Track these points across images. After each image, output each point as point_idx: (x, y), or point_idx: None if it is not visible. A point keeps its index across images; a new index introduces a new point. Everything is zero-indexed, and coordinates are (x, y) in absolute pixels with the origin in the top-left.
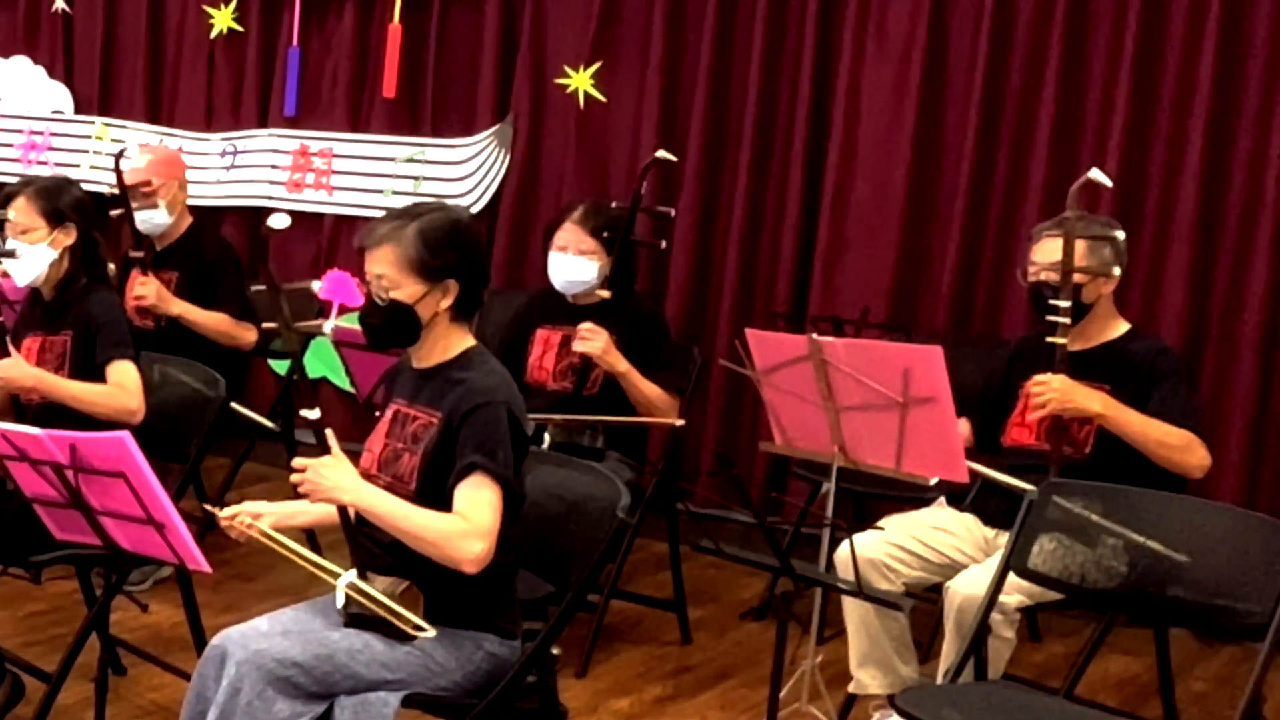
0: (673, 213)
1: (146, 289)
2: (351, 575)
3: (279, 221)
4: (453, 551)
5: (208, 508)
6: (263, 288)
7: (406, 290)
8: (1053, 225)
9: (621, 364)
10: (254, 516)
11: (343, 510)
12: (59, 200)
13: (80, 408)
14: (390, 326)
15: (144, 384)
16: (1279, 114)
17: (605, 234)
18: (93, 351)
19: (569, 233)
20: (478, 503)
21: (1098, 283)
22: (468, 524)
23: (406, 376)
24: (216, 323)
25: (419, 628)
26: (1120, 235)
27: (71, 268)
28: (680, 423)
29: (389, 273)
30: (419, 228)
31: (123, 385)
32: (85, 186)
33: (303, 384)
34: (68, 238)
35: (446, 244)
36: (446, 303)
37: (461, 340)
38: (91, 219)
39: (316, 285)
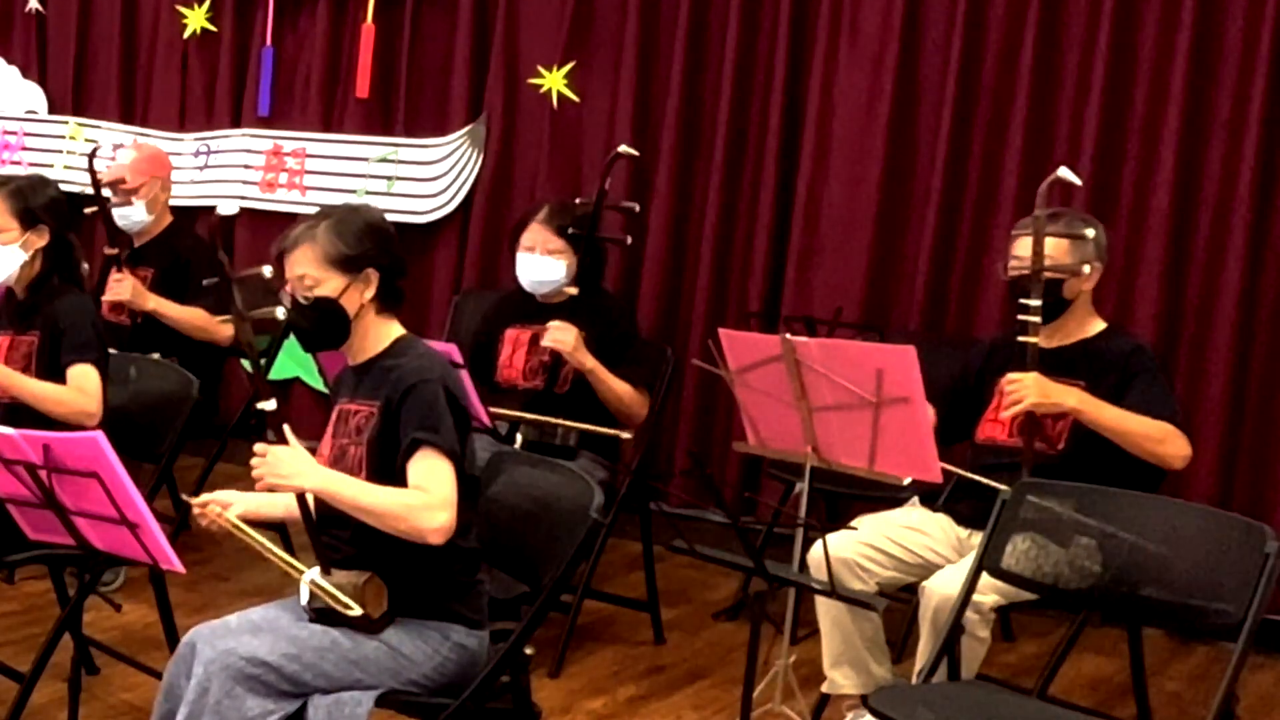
0: (637, 207)
1: (122, 286)
2: (315, 573)
3: (227, 208)
4: (417, 523)
5: (184, 497)
6: (215, 280)
7: (329, 285)
8: (1031, 222)
9: (589, 361)
10: (224, 506)
11: (303, 506)
12: (33, 201)
13: (39, 406)
14: (320, 325)
15: (105, 388)
16: (1252, 111)
17: (571, 232)
18: (58, 353)
19: (535, 233)
20: (433, 475)
21: (1079, 279)
22: (428, 495)
23: (346, 376)
24: (192, 318)
25: (378, 623)
26: (1099, 232)
27: (44, 269)
28: (627, 436)
29: (310, 271)
30: (331, 223)
31: (82, 388)
32: (60, 186)
33: (258, 375)
34: (40, 239)
35: (361, 236)
36: (370, 293)
37: (390, 331)
38: (66, 220)
39: (268, 270)
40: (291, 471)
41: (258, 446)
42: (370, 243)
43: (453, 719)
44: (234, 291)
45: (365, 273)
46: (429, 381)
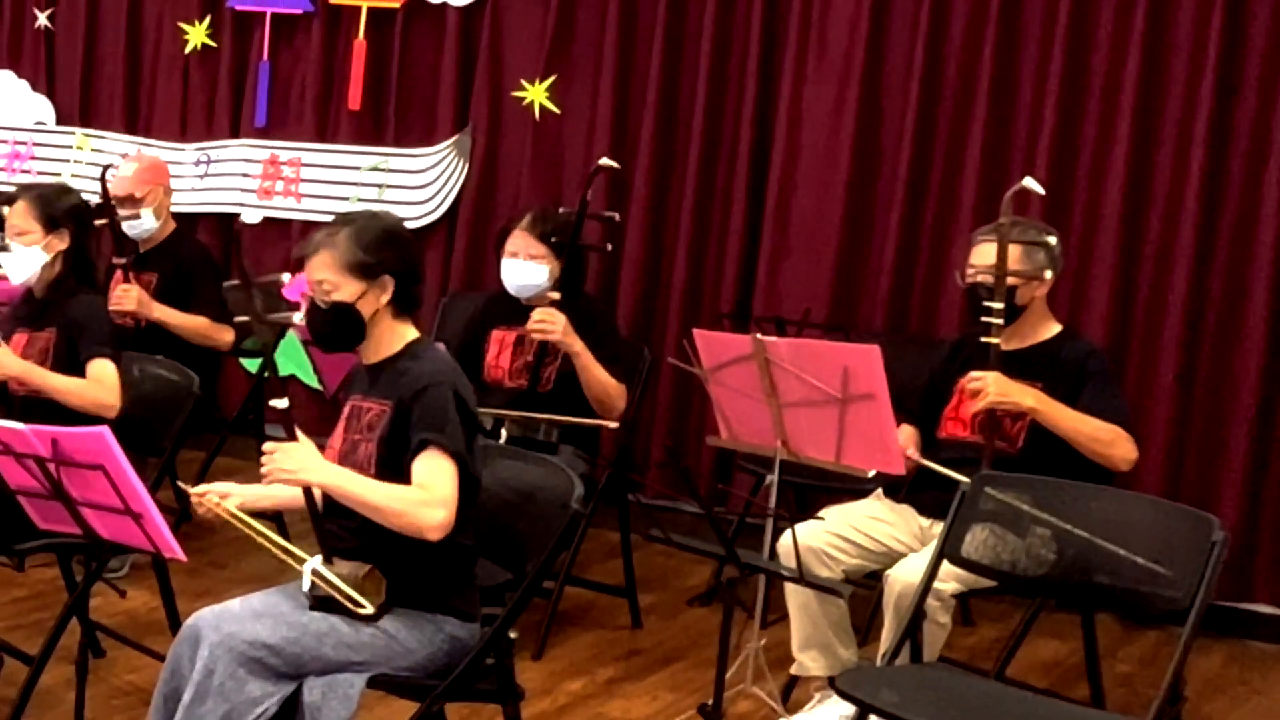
0: (617, 217)
1: (128, 296)
2: (316, 561)
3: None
4: (417, 519)
5: (180, 484)
6: (235, 283)
7: (347, 290)
8: (990, 230)
9: (577, 344)
10: (222, 496)
11: (309, 497)
12: (56, 207)
13: (61, 399)
14: (336, 328)
15: (122, 381)
16: (1199, 125)
17: (553, 239)
18: (75, 349)
19: (519, 239)
20: (435, 474)
21: (1031, 285)
22: (428, 493)
23: (360, 374)
24: (195, 325)
25: (376, 614)
26: (1054, 240)
27: (63, 271)
28: (614, 425)
29: (328, 276)
30: (351, 231)
31: (101, 381)
32: (82, 195)
33: (273, 375)
34: (61, 243)
35: (379, 243)
36: (385, 298)
37: (405, 334)
38: (86, 226)
39: (286, 277)
40: (298, 466)
41: (267, 445)
42: (388, 250)
43: (441, 699)
44: (254, 297)
45: (382, 279)
46: (440, 385)
